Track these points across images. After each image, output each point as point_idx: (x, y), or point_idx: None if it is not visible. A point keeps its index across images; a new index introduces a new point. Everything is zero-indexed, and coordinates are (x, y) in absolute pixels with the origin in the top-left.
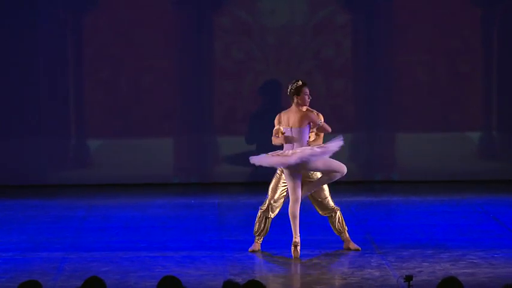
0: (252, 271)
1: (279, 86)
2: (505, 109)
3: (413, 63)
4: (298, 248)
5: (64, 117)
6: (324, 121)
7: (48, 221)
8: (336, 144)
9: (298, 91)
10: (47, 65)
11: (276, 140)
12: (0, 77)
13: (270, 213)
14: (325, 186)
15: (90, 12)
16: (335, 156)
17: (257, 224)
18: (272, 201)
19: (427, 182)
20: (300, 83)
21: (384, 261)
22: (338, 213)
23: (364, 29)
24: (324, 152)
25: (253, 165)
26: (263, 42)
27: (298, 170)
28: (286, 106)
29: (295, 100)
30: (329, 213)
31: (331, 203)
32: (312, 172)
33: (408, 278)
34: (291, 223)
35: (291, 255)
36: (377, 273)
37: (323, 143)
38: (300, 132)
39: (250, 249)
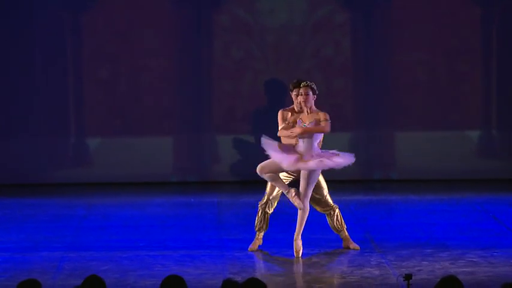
0: (252, 270)
1: (279, 85)
2: (505, 108)
3: (413, 62)
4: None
5: (63, 116)
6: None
7: (47, 220)
8: (350, 159)
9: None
10: (45, 64)
11: (288, 135)
12: None
13: (269, 209)
14: (324, 184)
15: (89, 11)
16: None
17: (257, 219)
18: (271, 197)
19: (426, 181)
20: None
21: (383, 260)
22: (337, 211)
23: (363, 27)
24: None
25: (253, 164)
26: (262, 41)
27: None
28: (285, 105)
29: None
30: (327, 210)
31: (330, 201)
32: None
33: (408, 277)
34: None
35: (291, 254)
36: (376, 272)
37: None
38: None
39: (249, 248)
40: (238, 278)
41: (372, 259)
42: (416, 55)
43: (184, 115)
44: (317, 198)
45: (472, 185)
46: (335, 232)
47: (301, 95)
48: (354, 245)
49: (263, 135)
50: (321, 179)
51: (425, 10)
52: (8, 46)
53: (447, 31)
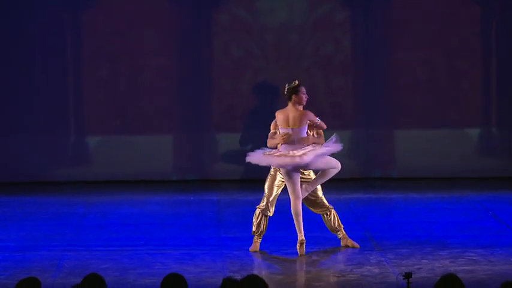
0: (251, 268)
1: (279, 84)
2: (504, 106)
3: (413, 60)
4: (304, 245)
5: (63, 115)
6: (320, 118)
7: (47, 218)
8: (338, 145)
9: (296, 90)
10: (45, 63)
11: (272, 142)
12: None
13: (268, 211)
14: (319, 186)
15: (88, 10)
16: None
17: (256, 223)
18: (270, 200)
19: (426, 179)
20: (297, 82)
21: (383, 258)
22: (333, 211)
23: (363, 26)
24: (330, 151)
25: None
26: (262, 40)
27: (298, 169)
28: (283, 105)
29: (293, 99)
30: (323, 211)
31: (325, 202)
32: (307, 172)
33: (407, 275)
34: (295, 221)
35: (290, 253)
36: (376, 270)
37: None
38: (300, 131)
39: (250, 249)
40: (238, 276)
41: (371, 257)
42: (416, 54)
43: (184, 114)
44: (312, 200)
45: (472, 183)
46: (332, 233)
47: (304, 94)
48: (353, 243)
49: (247, 155)
50: None
51: (425, 9)
52: (8, 45)
53: (447, 30)
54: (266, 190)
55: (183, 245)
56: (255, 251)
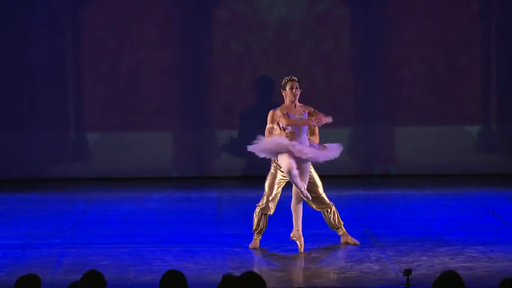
0: (251, 265)
1: (278, 80)
2: (504, 103)
3: (412, 56)
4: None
5: (62, 111)
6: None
7: (46, 215)
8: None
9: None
10: (44, 58)
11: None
12: None
13: (269, 210)
14: (319, 182)
15: (88, 5)
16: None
17: (255, 221)
18: (270, 198)
19: (425, 176)
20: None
21: (382, 255)
22: (333, 208)
23: (362, 22)
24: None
25: (252, 159)
26: (262, 36)
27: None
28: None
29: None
30: (324, 208)
31: (326, 199)
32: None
33: (407, 272)
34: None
35: (290, 250)
36: (376, 267)
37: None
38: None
39: (250, 246)
40: (238, 273)
41: (371, 254)
42: (416, 49)
43: (184, 110)
44: (313, 197)
45: (472, 180)
46: (332, 229)
47: (297, 88)
48: (353, 240)
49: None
50: (316, 177)
51: (424, 5)
52: (7, 41)
53: (446, 26)
54: (266, 188)
55: (183, 241)
56: (255, 248)
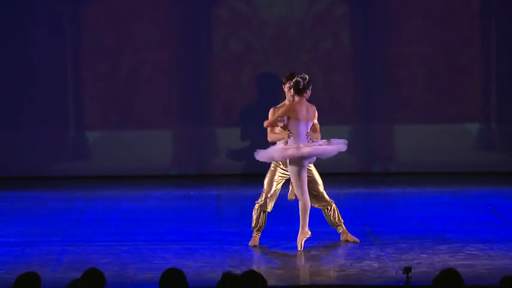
0: (251, 263)
1: (278, 78)
2: (504, 101)
3: (412, 55)
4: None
5: (62, 109)
6: (319, 113)
7: (46, 213)
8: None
9: (310, 84)
10: (44, 58)
11: (275, 136)
12: None
13: (267, 207)
14: (319, 180)
15: (88, 5)
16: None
17: (254, 218)
18: (268, 195)
19: (425, 174)
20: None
21: (382, 253)
22: (333, 206)
23: (362, 20)
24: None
25: (252, 157)
26: (262, 34)
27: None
28: (283, 99)
29: (307, 93)
30: (324, 206)
31: (326, 196)
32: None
33: (407, 270)
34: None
35: (290, 247)
36: (376, 265)
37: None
38: (310, 125)
39: (249, 244)
40: (238, 271)
41: (371, 252)
42: (416, 48)
43: (184, 108)
44: (313, 194)
45: (472, 178)
46: (332, 227)
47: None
48: (353, 238)
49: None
50: (316, 175)
51: (424, 4)
52: (7, 39)
53: (446, 24)
54: (265, 186)
55: (183, 239)
56: (254, 246)
